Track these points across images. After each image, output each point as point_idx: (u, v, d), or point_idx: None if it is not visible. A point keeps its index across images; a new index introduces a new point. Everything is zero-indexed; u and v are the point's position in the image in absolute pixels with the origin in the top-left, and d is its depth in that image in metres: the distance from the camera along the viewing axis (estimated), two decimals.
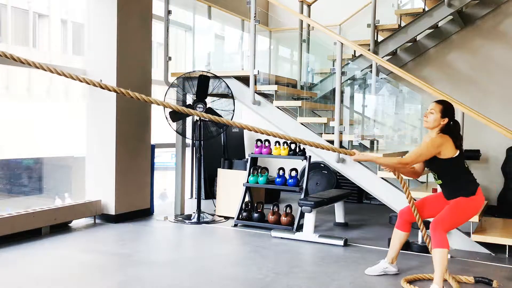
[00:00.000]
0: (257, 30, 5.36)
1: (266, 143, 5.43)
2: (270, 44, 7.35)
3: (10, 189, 5.19)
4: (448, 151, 3.28)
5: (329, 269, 3.74)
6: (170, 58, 5.73)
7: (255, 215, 5.17)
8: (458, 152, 3.31)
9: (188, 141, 6.31)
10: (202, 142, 5.54)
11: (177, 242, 4.80)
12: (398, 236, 3.59)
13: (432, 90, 4.55)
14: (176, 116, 5.33)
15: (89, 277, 3.47)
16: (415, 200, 3.52)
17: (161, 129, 5.88)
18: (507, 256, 4.20)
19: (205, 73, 5.35)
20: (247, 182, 5.37)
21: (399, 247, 3.60)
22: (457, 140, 3.33)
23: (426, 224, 4.24)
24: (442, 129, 3.36)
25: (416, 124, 5.85)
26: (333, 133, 4.90)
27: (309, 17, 6.64)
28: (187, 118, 5.54)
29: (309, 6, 6.77)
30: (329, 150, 3.41)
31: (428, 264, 3.66)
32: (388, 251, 3.65)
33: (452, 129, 3.35)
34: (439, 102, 3.42)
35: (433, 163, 3.36)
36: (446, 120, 3.35)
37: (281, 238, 4.71)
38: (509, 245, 4.22)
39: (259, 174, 5.35)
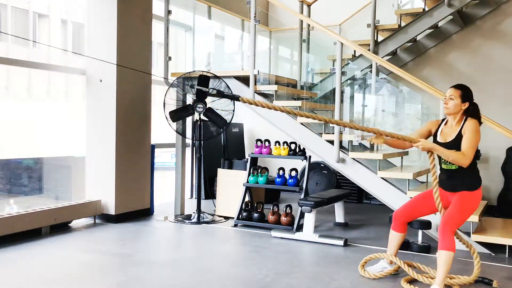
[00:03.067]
0: (257, 30, 5.36)
1: (266, 143, 5.43)
2: (270, 44, 7.35)
3: (10, 189, 5.20)
4: (479, 136, 3.27)
5: (329, 269, 3.74)
6: (170, 58, 5.74)
7: (255, 215, 5.17)
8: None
9: (188, 141, 6.31)
10: (202, 142, 5.54)
11: (177, 242, 4.80)
12: (394, 237, 3.58)
13: (432, 90, 4.56)
14: (176, 116, 5.34)
15: (89, 277, 3.47)
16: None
17: (161, 129, 5.89)
18: (507, 256, 4.20)
19: (205, 73, 5.34)
20: (247, 182, 5.37)
21: (396, 248, 3.60)
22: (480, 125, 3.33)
23: (424, 224, 4.27)
24: (465, 114, 3.33)
25: (416, 124, 5.85)
26: (333, 133, 4.90)
27: (309, 17, 6.65)
28: (187, 118, 5.55)
29: (309, 6, 6.77)
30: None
31: (428, 264, 3.66)
32: (387, 252, 3.65)
33: (473, 113, 3.32)
34: (457, 87, 3.39)
35: (460, 146, 3.27)
36: (467, 104, 3.33)
37: (281, 238, 4.71)
38: (509, 245, 4.22)
39: (259, 174, 5.35)
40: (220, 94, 3.21)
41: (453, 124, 3.37)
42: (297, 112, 3.39)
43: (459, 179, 3.32)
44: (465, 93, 3.35)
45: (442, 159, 3.38)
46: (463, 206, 3.26)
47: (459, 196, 3.30)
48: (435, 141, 3.42)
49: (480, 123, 3.36)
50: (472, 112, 3.33)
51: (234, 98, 3.18)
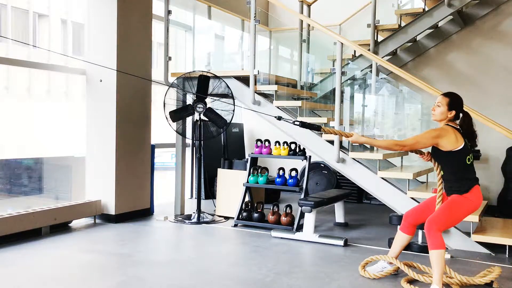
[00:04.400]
0: (257, 30, 5.37)
1: (266, 143, 5.43)
2: (270, 44, 7.35)
3: (10, 189, 5.20)
4: (447, 143, 3.23)
5: (329, 269, 3.74)
6: (170, 58, 5.74)
7: (255, 215, 5.16)
8: (461, 146, 3.23)
9: (188, 141, 6.30)
10: (202, 142, 5.54)
11: (177, 242, 4.80)
12: (400, 238, 3.58)
13: (432, 90, 4.56)
14: (176, 116, 5.34)
15: (89, 277, 3.47)
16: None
17: (161, 129, 5.89)
18: (507, 256, 4.20)
19: (205, 73, 5.35)
20: (247, 182, 5.37)
21: (400, 249, 3.59)
22: (467, 134, 3.30)
23: (421, 225, 4.26)
24: (452, 122, 3.34)
25: (416, 124, 5.85)
26: None
27: (309, 17, 6.65)
28: (187, 118, 5.54)
29: (309, 6, 6.77)
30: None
31: (428, 264, 3.66)
32: (389, 252, 3.65)
33: (463, 123, 3.32)
34: (446, 94, 3.38)
35: (435, 153, 3.37)
36: (453, 112, 3.31)
37: (281, 238, 4.71)
38: (509, 245, 4.22)
39: (259, 174, 5.35)
40: (304, 126, 3.39)
41: None
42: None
43: (449, 183, 3.36)
44: (452, 101, 3.32)
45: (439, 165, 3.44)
46: (451, 207, 3.26)
47: (449, 198, 3.33)
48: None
49: (473, 135, 3.33)
50: (463, 121, 3.32)
51: (317, 129, 3.37)
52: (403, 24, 6.41)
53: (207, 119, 5.39)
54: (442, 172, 3.42)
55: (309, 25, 6.44)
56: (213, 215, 5.63)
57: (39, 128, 5.78)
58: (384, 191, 4.75)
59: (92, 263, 3.81)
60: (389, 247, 3.91)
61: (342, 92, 4.96)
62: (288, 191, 7.32)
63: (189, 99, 5.59)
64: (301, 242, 4.56)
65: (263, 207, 5.35)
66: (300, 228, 4.80)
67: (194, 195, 6.95)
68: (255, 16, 5.29)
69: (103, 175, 5.23)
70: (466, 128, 3.33)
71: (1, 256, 3.88)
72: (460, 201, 3.27)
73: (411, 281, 3.42)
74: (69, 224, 5.02)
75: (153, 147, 5.74)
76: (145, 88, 5.55)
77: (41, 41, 9.09)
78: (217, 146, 7.16)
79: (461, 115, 3.36)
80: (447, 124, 3.33)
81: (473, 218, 4.19)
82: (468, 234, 4.31)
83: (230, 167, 5.93)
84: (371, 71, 5.70)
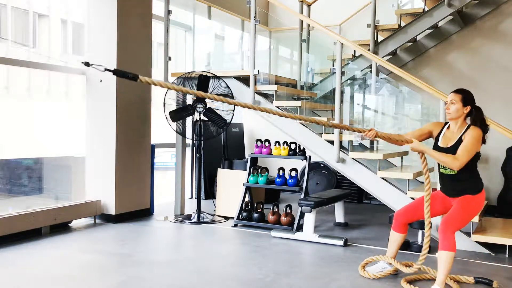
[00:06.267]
0: (257, 30, 5.37)
1: (266, 143, 5.43)
2: (270, 44, 7.36)
3: (10, 189, 5.20)
4: (479, 145, 3.24)
5: (329, 269, 3.74)
6: (170, 58, 5.74)
7: (255, 215, 5.16)
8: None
9: (188, 141, 6.30)
10: (202, 142, 5.54)
11: (177, 242, 4.80)
12: (395, 238, 3.58)
13: (432, 90, 4.56)
14: (176, 116, 5.34)
15: (89, 277, 3.47)
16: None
17: (161, 129, 5.89)
18: (507, 256, 4.20)
19: (205, 73, 5.35)
20: (247, 182, 5.37)
21: (396, 249, 3.60)
22: (483, 129, 3.27)
23: (421, 224, 4.26)
24: (468, 118, 3.31)
25: (416, 124, 5.85)
26: (333, 133, 4.90)
27: (309, 17, 6.65)
28: (187, 118, 5.55)
29: (309, 6, 6.77)
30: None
31: (428, 264, 3.66)
32: (386, 253, 3.65)
33: (476, 118, 3.28)
34: (458, 91, 3.36)
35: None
36: (469, 108, 3.30)
37: (281, 238, 4.71)
38: (509, 245, 4.22)
39: (259, 174, 5.35)
40: (116, 73, 3.16)
41: (455, 130, 3.34)
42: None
43: (460, 183, 3.30)
44: (466, 96, 3.32)
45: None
46: (465, 208, 3.25)
47: (461, 199, 3.28)
48: (436, 145, 3.40)
49: (486, 129, 3.30)
50: (476, 116, 3.29)
51: (133, 78, 3.14)
52: (403, 24, 6.41)
53: (207, 119, 5.39)
54: (452, 171, 3.28)
55: (309, 25, 6.44)
56: (213, 215, 5.63)
57: (39, 128, 5.77)
58: (384, 191, 4.75)
59: (92, 263, 3.81)
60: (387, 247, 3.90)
61: (342, 92, 4.96)
62: (288, 191, 7.32)
63: (189, 99, 5.59)
64: (301, 242, 4.56)
65: (263, 207, 5.35)
66: (300, 228, 4.81)
67: (194, 195, 6.95)
68: (255, 16, 5.29)
69: (103, 175, 5.23)
70: (481, 123, 3.29)
71: (1, 256, 3.88)
72: (474, 201, 3.27)
73: (411, 281, 3.42)
74: (69, 224, 5.02)
75: (153, 147, 5.74)
76: (145, 88, 5.55)
77: (41, 41, 9.08)
78: (217, 146, 7.16)
79: (473, 111, 3.34)
80: (472, 125, 3.28)
81: (473, 218, 4.19)
82: (468, 234, 4.31)
83: (230, 167, 5.93)
84: (371, 71, 5.71)
